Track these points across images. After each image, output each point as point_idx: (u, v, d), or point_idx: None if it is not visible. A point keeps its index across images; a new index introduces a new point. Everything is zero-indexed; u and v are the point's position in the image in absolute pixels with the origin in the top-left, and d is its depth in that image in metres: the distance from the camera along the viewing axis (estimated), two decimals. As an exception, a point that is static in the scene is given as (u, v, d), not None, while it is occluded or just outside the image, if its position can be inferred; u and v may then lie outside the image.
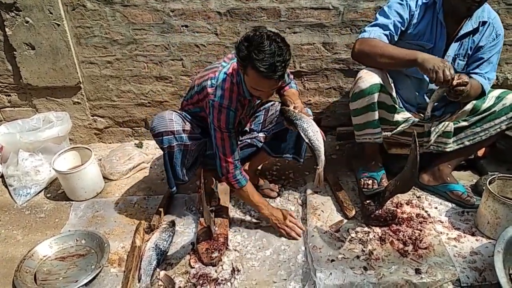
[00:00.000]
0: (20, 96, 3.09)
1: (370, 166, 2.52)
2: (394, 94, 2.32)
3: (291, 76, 2.46)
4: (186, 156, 2.26)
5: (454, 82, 2.01)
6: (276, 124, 2.43)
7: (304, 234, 2.29)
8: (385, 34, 2.21)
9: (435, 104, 2.28)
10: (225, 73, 2.09)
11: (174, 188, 2.35)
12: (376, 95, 2.20)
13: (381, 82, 2.21)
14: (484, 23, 2.24)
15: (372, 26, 2.25)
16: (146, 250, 2.12)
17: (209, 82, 2.08)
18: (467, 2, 2.06)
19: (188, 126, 2.23)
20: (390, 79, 2.32)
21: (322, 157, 1.99)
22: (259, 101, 2.30)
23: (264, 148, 2.48)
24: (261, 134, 2.48)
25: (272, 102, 2.54)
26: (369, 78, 2.20)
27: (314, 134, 2.00)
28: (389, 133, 2.36)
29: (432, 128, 2.41)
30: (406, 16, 2.24)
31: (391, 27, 2.22)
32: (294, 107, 2.13)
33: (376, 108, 2.25)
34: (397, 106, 2.33)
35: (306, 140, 2.01)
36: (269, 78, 1.82)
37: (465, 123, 2.37)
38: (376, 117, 2.28)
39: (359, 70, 2.34)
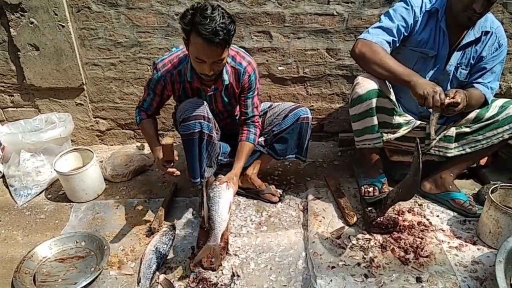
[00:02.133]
0: (23, 97, 3.09)
1: (371, 173, 2.51)
2: (393, 98, 2.32)
3: (256, 113, 2.40)
4: (207, 149, 2.25)
5: (445, 102, 2.02)
6: (275, 125, 2.45)
7: (305, 240, 2.28)
8: (388, 41, 2.21)
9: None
10: (178, 48, 2.26)
11: (199, 179, 2.30)
12: (374, 100, 2.21)
13: (379, 87, 2.21)
14: (486, 33, 2.24)
15: (376, 27, 2.25)
16: (146, 253, 2.11)
17: None
18: (467, 12, 2.07)
19: (213, 120, 2.26)
20: (388, 84, 2.32)
21: (215, 231, 2.00)
22: (213, 92, 2.26)
23: (267, 152, 2.50)
24: (261, 139, 2.50)
25: (269, 104, 2.58)
26: (366, 83, 2.21)
27: (217, 208, 2.02)
28: (391, 136, 2.35)
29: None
30: (411, 21, 2.24)
31: (395, 32, 2.22)
32: (219, 180, 2.14)
33: (375, 114, 2.25)
34: (397, 109, 2.33)
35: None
36: (210, 42, 1.85)
37: (467, 129, 2.37)
38: (375, 122, 2.28)
39: (360, 76, 2.35)
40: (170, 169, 2.10)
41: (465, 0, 2.04)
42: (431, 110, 2.08)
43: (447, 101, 2.03)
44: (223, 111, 2.43)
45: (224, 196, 2.06)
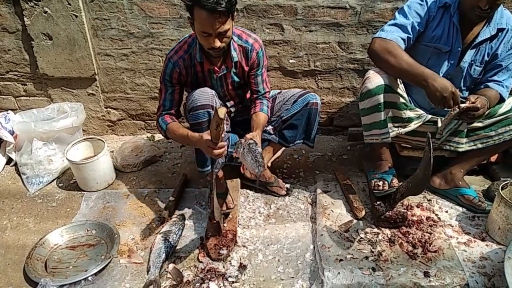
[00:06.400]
0: (35, 86, 3.13)
1: (381, 167, 2.51)
2: (402, 93, 2.31)
3: (267, 89, 2.45)
4: None
5: (464, 107, 2.04)
6: (284, 111, 2.46)
7: (313, 233, 2.30)
8: (403, 38, 2.20)
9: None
10: (187, 36, 2.28)
11: (209, 167, 2.31)
12: (382, 96, 2.21)
13: (388, 83, 2.21)
14: (502, 29, 2.22)
15: (390, 25, 2.24)
16: (155, 242, 2.13)
17: None
18: (475, 11, 2.06)
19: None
20: (398, 80, 2.32)
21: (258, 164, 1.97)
22: (223, 72, 2.27)
23: (277, 141, 2.52)
24: (269, 127, 2.51)
25: (278, 91, 2.58)
26: (376, 78, 2.21)
27: (254, 157, 2.01)
28: (402, 130, 2.35)
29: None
30: (426, 17, 2.23)
31: (409, 29, 2.21)
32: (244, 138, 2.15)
33: (383, 109, 2.25)
34: (408, 103, 2.32)
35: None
36: (213, 11, 1.88)
37: (480, 124, 2.35)
38: (383, 117, 2.28)
39: (372, 70, 2.34)
40: (220, 145, 1.99)
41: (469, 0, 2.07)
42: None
43: (466, 105, 2.04)
44: (234, 96, 2.44)
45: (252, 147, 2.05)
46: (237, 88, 2.41)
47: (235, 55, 2.23)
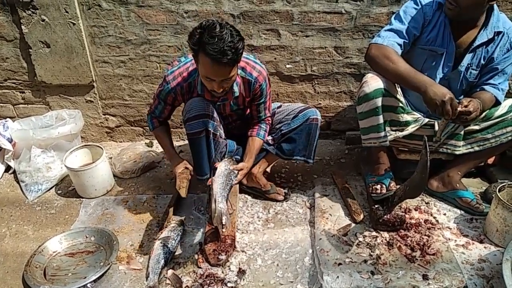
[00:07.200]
0: (34, 93, 3.13)
1: (378, 171, 2.51)
2: (400, 97, 2.32)
3: (268, 115, 2.46)
4: (213, 147, 2.27)
5: (457, 110, 2.04)
6: (284, 125, 2.46)
7: (311, 237, 2.30)
8: (399, 44, 2.21)
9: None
10: (187, 58, 2.24)
11: (208, 175, 2.32)
12: (379, 100, 2.21)
13: (385, 87, 2.22)
14: (499, 33, 2.23)
15: (386, 30, 2.25)
16: (154, 248, 2.13)
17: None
18: (446, 5, 2.12)
19: (218, 118, 2.27)
20: (396, 84, 2.33)
21: (215, 203, 2.04)
22: (221, 102, 2.29)
23: (275, 152, 2.51)
24: (269, 138, 2.51)
25: (278, 105, 2.58)
26: (373, 82, 2.22)
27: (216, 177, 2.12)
28: (400, 133, 2.36)
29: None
30: (422, 21, 2.24)
31: (405, 34, 2.22)
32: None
33: (380, 112, 2.25)
34: (405, 107, 2.33)
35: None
36: (218, 62, 1.85)
37: (476, 127, 2.36)
38: (380, 121, 2.28)
39: (369, 74, 2.35)
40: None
41: None
42: None
43: (459, 109, 2.05)
44: (232, 114, 2.46)
45: (222, 168, 2.16)
46: (236, 110, 2.42)
47: (237, 89, 2.21)
